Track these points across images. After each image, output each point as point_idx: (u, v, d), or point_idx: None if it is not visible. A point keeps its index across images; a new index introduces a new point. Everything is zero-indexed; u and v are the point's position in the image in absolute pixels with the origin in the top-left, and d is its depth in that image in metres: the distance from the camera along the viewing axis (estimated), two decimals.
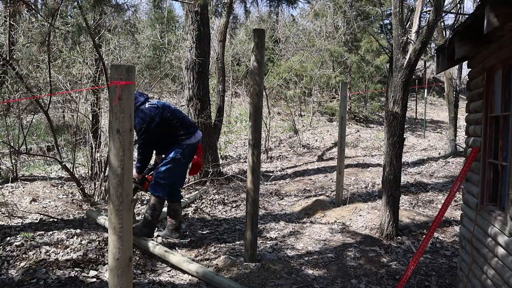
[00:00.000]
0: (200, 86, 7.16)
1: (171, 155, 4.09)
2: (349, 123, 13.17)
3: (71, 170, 5.72)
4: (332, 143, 11.09)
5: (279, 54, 15.52)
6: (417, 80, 17.31)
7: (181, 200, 4.54)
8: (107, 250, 3.47)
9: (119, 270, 2.23)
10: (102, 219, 4.33)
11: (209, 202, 6.04)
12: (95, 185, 5.66)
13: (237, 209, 5.88)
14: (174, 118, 4.14)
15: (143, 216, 4.30)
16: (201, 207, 5.79)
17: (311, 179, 7.69)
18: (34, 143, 8.70)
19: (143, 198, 5.75)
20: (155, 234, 4.31)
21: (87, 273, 3.45)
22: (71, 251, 3.76)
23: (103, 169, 5.68)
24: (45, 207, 5.09)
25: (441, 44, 3.67)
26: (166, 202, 4.31)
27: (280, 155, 10.04)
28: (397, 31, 4.73)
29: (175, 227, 4.25)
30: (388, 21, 16.93)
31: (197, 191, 6.33)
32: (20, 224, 4.40)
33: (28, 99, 6.67)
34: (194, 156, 4.32)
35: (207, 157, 7.03)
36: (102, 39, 7.43)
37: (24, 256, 3.59)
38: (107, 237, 2.97)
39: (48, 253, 3.67)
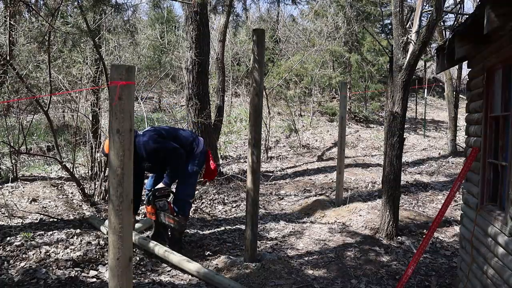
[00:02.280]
0: (200, 86, 7.15)
1: (189, 169, 4.08)
2: (349, 123, 13.17)
3: (71, 170, 5.72)
4: (332, 143, 11.09)
5: (279, 54, 15.52)
6: (417, 80, 17.30)
7: None
8: (107, 250, 3.47)
9: (119, 270, 2.23)
10: (105, 229, 4.28)
11: (209, 202, 6.04)
12: (95, 185, 5.66)
13: (237, 209, 5.88)
14: (172, 133, 4.14)
15: (170, 234, 4.16)
16: (201, 207, 5.79)
17: (311, 179, 7.69)
18: (34, 143, 8.69)
19: (142, 198, 5.73)
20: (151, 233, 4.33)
21: (87, 273, 3.45)
22: (71, 251, 3.76)
23: (103, 169, 5.68)
24: (45, 207, 5.09)
25: (441, 44, 3.67)
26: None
27: (280, 155, 10.04)
28: (397, 31, 4.73)
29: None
30: (388, 21, 16.93)
31: (197, 191, 6.33)
32: (20, 224, 4.40)
33: (28, 99, 6.67)
34: (208, 163, 4.33)
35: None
36: (102, 39, 7.43)
37: (24, 256, 3.59)
38: (107, 237, 2.97)
39: (48, 253, 3.68)
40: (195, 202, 5.92)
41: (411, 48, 4.49)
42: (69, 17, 7.38)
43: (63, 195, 5.67)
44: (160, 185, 3.97)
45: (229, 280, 3.32)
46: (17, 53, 7.26)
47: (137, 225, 4.43)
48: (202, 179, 4.90)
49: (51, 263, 3.50)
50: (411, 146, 11.44)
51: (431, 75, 20.91)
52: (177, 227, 3.97)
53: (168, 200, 4.06)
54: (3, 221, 4.44)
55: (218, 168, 7.44)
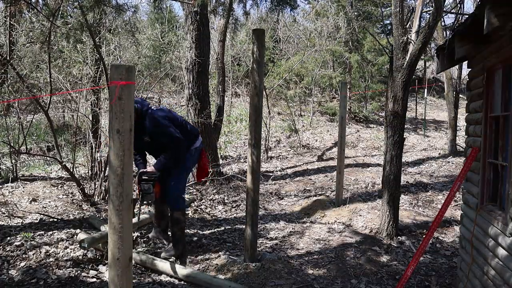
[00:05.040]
0: (200, 86, 7.16)
1: (183, 164, 3.96)
2: (349, 123, 13.17)
3: (71, 170, 5.72)
4: (332, 143, 11.09)
5: (279, 54, 15.52)
6: (417, 80, 17.30)
7: None
8: (107, 250, 3.46)
9: (119, 270, 2.23)
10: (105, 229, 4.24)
11: (209, 202, 6.04)
12: (95, 185, 5.66)
13: (237, 209, 5.88)
14: (181, 120, 4.05)
15: (170, 234, 4.06)
16: (201, 207, 5.79)
17: (311, 179, 7.69)
18: (34, 143, 8.70)
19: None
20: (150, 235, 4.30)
21: (87, 273, 3.45)
22: (71, 251, 3.76)
23: (103, 169, 5.68)
24: (45, 207, 5.09)
25: (441, 44, 3.67)
26: (153, 204, 4.21)
27: (280, 155, 10.04)
28: (397, 31, 4.73)
29: (162, 229, 4.20)
30: (388, 22, 16.94)
31: (196, 192, 6.32)
32: (20, 224, 4.40)
33: (28, 99, 6.68)
34: (201, 162, 4.22)
35: (207, 157, 7.04)
36: (102, 39, 7.44)
37: (24, 256, 3.59)
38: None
39: (48, 253, 3.67)
40: (195, 202, 5.92)
41: (411, 48, 4.49)
42: (69, 17, 7.39)
43: (63, 195, 5.67)
44: (150, 168, 3.77)
45: (229, 282, 3.32)
46: (18, 53, 7.27)
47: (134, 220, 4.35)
48: (195, 180, 4.75)
49: (51, 263, 3.50)
50: (411, 146, 11.44)
51: (431, 75, 20.91)
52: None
53: (154, 183, 3.76)
54: (3, 221, 4.44)
55: (218, 168, 7.44)
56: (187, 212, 5.36)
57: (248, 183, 3.75)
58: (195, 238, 4.51)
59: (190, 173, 4.55)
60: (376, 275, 3.75)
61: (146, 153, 4.16)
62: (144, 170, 3.77)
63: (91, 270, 3.50)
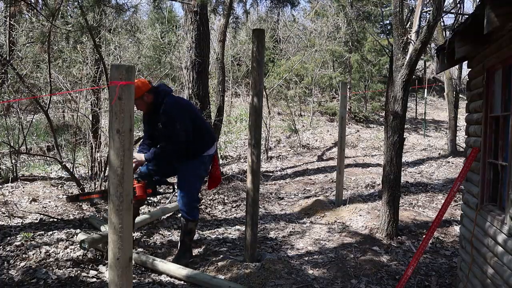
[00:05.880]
0: (200, 86, 7.16)
1: (195, 172, 3.81)
2: (349, 123, 13.17)
3: (71, 170, 5.72)
4: (332, 143, 11.09)
5: (279, 54, 15.52)
6: (417, 80, 17.31)
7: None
8: (107, 250, 3.46)
9: (119, 270, 2.23)
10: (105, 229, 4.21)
11: (209, 202, 6.04)
12: (95, 185, 5.66)
13: (237, 209, 5.88)
14: (201, 120, 3.88)
15: (179, 242, 3.96)
16: (200, 207, 5.79)
17: (311, 179, 7.69)
18: (34, 143, 8.69)
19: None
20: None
21: (87, 273, 3.45)
22: (71, 251, 3.76)
23: (103, 169, 5.68)
24: (45, 207, 5.08)
25: (441, 44, 3.67)
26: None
27: (280, 155, 10.04)
28: (397, 31, 4.73)
29: None
30: (388, 22, 16.94)
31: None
32: (20, 224, 4.40)
33: (28, 99, 6.67)
34: (213, 169, 4.08)
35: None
36: (102, 39, 7.44)
37: (24, 256, 3.60)
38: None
39: (48, 253, 3.68)
40: None
41: (411, 48, 4.49)
42: (69, 17, 7.39)
43: (63, 195, 5.66)
44: (138, 155, 3.66)
45: (228, 282, 3.32)
46: (18, 53, 7.27)
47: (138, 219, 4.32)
48: (207, 188, 4.55)
49: (51, 263, 3.50)
50: (411, 146, 11.44)
51: (431, 75, 20.92)
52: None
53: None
54: (3, 221, 4.44)
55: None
56: None
57: (248, 183, 3.75)
58: (195, 238, 4.51)
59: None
60: (376, 275, 3.75)
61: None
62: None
63: (91, 270, 3.51)
